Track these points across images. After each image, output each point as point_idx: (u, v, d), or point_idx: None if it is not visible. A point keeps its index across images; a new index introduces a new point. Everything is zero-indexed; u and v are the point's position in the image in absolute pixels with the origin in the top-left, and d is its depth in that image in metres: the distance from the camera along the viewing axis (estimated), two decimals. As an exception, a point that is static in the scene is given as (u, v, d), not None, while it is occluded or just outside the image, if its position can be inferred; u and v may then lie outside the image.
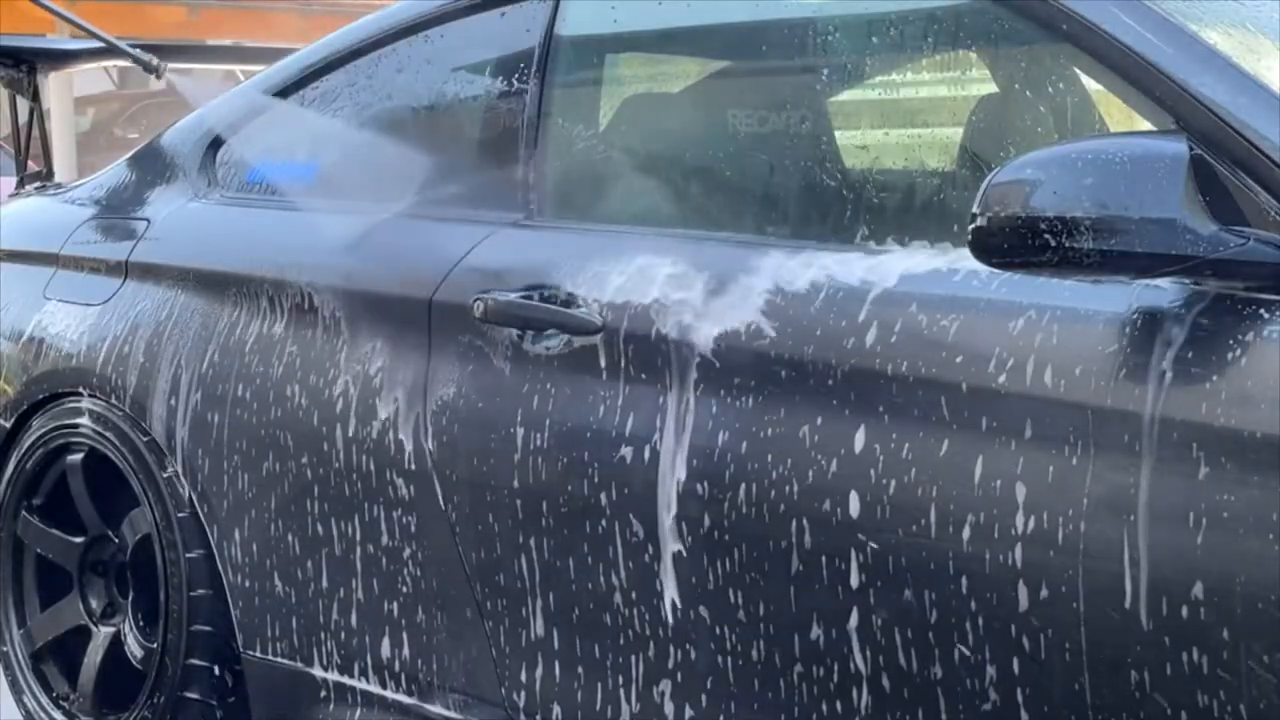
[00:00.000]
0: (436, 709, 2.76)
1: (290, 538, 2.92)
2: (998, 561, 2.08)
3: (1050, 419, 2.05)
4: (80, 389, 3.30)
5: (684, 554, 2.38)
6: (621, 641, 2.48)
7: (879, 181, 2.49)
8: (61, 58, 3.93)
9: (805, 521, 2.25)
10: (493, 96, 2.92)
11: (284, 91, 3.27)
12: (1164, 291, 2.02)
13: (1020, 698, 2.09)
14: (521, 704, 2.63)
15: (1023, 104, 2.64)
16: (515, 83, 2.84)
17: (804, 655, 2.28)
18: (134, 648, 3.25)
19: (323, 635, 2.91)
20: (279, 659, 2.99)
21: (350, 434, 2.79)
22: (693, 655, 2.40)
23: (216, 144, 3.35)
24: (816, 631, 2.26)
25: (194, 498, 3.08)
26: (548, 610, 2.56)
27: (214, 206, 3.26)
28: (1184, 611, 1.94)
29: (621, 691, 2.50)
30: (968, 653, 2.12)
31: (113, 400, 3.22)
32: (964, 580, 2.11)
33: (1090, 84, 2.48)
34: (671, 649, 2.43)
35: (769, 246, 2.45)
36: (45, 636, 3.43)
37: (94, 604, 3.37)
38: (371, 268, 2.87)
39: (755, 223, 2.58)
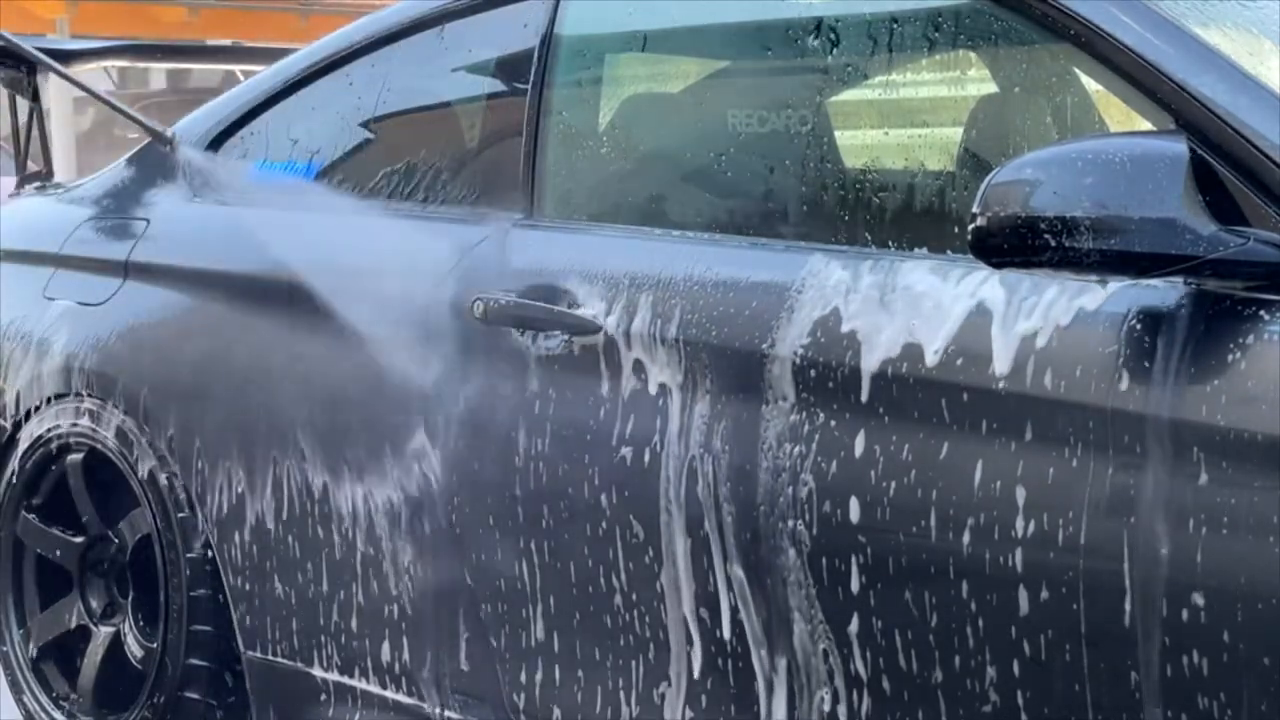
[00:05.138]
0: (436, 710, 2.76)
1: (290, 539, 2.92)
2: (998, 563, 2.07)
3: (1050, 420, 2.04)
4: (80, 389, 3.29)
5: (685, 556, 2.38)
6: (621, 644, 2.48)
7: (877, 182, 2.49)
8: (61, 58, 3.92)
9: (805, 524, 2.25)
10: (493, 96, 2.91)
11: (285, 91, 3.26)
12: (1164, 291, 2.02)
13: (1021, 700, 2.09)
14: (521, 705, 2.63)
15: (1023, 104, 2.64)
16: (515, 82, 2.84)
17: (804, 658, 2.28)
18: (134, 648, 3.25)
19: (323, 636, 2.91)
20: (279, 659, 2.99)
21: (349, 435, 2.79)
22: (693, 658, 2.40)
23: (217, 143, 3.34)
24: (817, 635, 2.26)
25: (194, 498, 3.07)
26: (548, 612, 2.56)
27: (214, 206, 3.25)
28: (1184, 614, 1.93)
29: (621, 694, 2.49)
30: (968, 655, 2.12)
31: (112, 400, 3.21)
32: (964, 582, 2.11)
33: (1090, 84, 2.48)
34: (671, 652, 2.42)
35: (770, 247, 2.45)
36: (45, 636, 3.42)
37: (94, 604, 3.36)
38: (371, 267, 2.87)
39: (755, 223, 2.58)
